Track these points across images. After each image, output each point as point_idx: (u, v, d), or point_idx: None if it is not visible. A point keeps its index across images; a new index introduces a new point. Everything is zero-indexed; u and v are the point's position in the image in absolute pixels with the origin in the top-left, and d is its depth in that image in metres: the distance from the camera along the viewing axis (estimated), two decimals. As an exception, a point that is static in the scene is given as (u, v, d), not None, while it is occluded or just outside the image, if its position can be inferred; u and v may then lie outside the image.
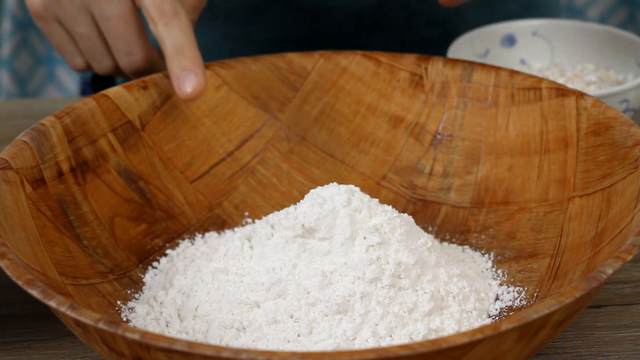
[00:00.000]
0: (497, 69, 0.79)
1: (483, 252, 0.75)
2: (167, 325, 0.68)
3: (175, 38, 0.76)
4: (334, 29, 1.02)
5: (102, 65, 0.85)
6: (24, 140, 0.71)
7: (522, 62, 0.95)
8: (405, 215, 0.70)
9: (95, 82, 1.11)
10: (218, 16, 1.03)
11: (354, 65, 0.82)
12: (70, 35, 0.85)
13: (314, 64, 0.82)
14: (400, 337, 0.64)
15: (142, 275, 0.73)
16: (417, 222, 0.74)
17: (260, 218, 0.78)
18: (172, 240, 0.76)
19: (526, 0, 1.07)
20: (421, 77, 0.81)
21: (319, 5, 1.00)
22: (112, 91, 0.77)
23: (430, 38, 1.02)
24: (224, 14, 1.03)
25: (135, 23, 0.82)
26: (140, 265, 0.74)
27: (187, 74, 0.75)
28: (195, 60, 0.76)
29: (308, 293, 0.66)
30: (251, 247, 0.70)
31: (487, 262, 0.74)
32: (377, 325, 0.65)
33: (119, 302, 0.70)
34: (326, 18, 1.02)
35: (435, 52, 0.99)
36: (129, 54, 0.82)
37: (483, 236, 0.76)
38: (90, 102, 0.76)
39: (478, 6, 1.03)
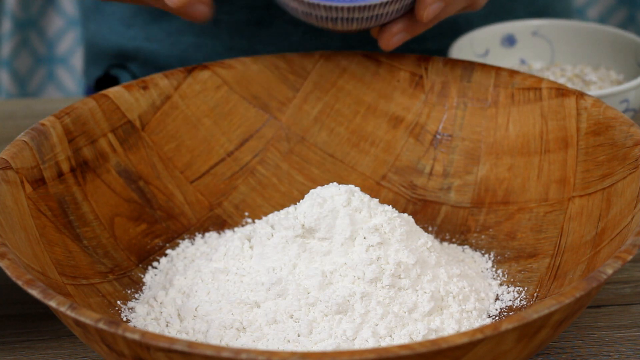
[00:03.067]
0: (497, 69, 0.79)
1: (483, 252, 0.75)
2: (167, 325, 0.68)
3: None
4: (339, 41, 1.02)
5: None
6: (24, 140, 0.71)
7: (522, 62, 0.95)
8: (405, 215, 0.70)
9: (99, 86, 1.11)
10: (223, 29, 1.03)
11: (354, 65, 0.82)
12: None
13: (314, 64, 0.82)
14: (400, 337, 0.64)
15: (142, 275, 0.73)
16: (417, 222, 0.74)
17: (260, 218, 0.78)
18: (172, 240, 0.76)
19: (536, 8, 1.06)
20: (421, 77, 0.81)
21: None
22: (112, 91, 0.77)
23: (439, 49, 1.01)
24: (228, 27, 1.03)
25: None
26: (140, 265, 0.74)
27: None
28: None
29: (308, 293, 0.66)
30: (251, 247, 0.69)
31: (487, 262, 0.74)
32: (377, 325, 0.65)
33: (119, 302, 0.69)
34: (331, 31, 1.02)
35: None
36: None
37: (483, 236, 0.76)
38: (90, 102, 0.76)
39: (487, 16, 1.02)
